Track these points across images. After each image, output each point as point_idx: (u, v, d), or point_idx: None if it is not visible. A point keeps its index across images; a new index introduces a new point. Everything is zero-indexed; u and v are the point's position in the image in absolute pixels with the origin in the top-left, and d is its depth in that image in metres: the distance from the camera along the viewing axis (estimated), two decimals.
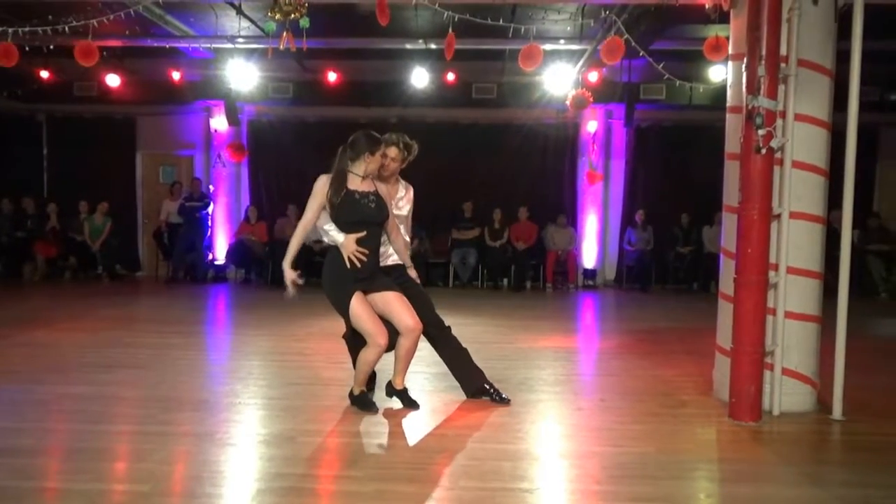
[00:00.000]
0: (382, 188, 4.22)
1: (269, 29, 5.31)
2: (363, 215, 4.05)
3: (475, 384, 4.51)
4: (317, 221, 4.12)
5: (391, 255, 4.39)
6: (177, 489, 3.15)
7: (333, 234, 4.08)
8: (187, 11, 8.32)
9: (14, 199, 11.23)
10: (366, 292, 4.10)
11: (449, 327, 4.48)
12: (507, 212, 11.08)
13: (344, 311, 4.07)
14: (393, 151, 4.31)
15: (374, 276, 4.13)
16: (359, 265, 4.02)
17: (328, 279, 4.14)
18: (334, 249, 4.11)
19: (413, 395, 4.41)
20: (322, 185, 4.07)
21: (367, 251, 4.04)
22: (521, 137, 11.26)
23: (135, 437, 3.85)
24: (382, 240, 4.24)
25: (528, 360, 5.82)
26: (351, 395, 4.37)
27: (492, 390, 4.49)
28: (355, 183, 4.11)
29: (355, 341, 4.34)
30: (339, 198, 4.02)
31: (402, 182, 4.55)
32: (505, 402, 4.43)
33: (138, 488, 3.10)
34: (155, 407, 4.31)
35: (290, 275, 4.04)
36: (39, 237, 11.10)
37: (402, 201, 4.50)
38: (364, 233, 4.03)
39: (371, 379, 4.52)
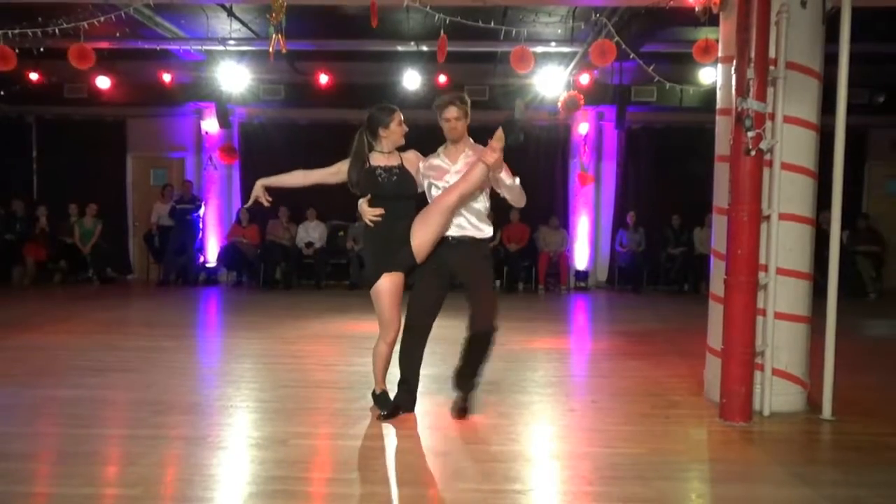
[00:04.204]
0: (411, 160, 4.16)
1: (271, 33, 5.36)
2: (381, 190, 4.04)
3: (458, 391, 4.26)
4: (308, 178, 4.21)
5: (464, 227, 4.07)
6: (168, 493, 3.13)
7: (359, 205, 4.11)
8: (178, 13, 8.30)
9: (3, 201, 11.16)
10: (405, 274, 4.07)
11: (473, 336, 4.04)
12: (499, 213, 11.06)
13: (371, 286, 4.05)
14: (452, 111, 4.05)
15: (401, 253, 4.00)
16: (372, 224, 4.02)
17: (366, 259, 4.18)
18: (368, 229, 4.09)
19: None
20: (342, 164, 4.15)
21: (381, 213, 4.01)
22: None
23: (126, 440, 3.83)
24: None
25: (521, 361, 5.83)
26: (373, 394, 4.31)
27: (459, 405, 4.21)
28: (379, 159, 4.10)
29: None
30: (360, 174, 4.06)
31: (471, 152, 4.13)
32: (462, 413, 4.17)
33: (129, 492, 3.09)
34: (146, 410, 4.28)
35: (259, 190, 4.16)
36: (29, 240, 11.03)
37: (465, 161, 4.09)
38: (381, 210, 4.00)
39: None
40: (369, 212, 4.03)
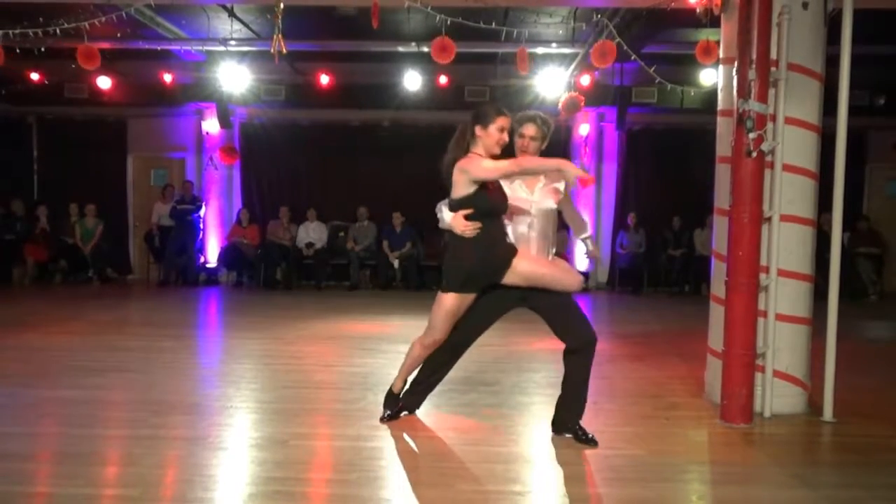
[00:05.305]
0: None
1: (275, 33, 5.37)
2: (490, 205, 3.67)
3: (564, 424, 3.94)
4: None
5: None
6: (168, 494, 3.13)
7: (443, 215, 3.76)
8: (179, 14, 8.30)
9: (3, 201, 11.17)
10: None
11: (580, 350, 3.95)
12: None
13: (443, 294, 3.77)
14: (531, 129, 3.82)
15: (484, 279, 3.73)
16: (470, 234, 3.63)
17: (449, 263, 3.79)
18: (457, 238, 3.70)
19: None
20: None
21: (479, 228, 3.63)
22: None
23: (125, 441, 3.82)
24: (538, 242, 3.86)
25: (521, 362, 5.82)
26: (389, 391, 4.17)
27: (579, 431, 3.87)
28: None
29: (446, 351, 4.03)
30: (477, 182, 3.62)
31: (545, 181, 3.98)
32: (592, 443, 3.79)
33: (129, 493, 3.08)
34: (146, 411, 4.28)
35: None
36: (29, 240, 11.04)
37: (542, 189, 3.91)
38: (479, 224, 3.63)
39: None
40: (470, 226, 3.62)
